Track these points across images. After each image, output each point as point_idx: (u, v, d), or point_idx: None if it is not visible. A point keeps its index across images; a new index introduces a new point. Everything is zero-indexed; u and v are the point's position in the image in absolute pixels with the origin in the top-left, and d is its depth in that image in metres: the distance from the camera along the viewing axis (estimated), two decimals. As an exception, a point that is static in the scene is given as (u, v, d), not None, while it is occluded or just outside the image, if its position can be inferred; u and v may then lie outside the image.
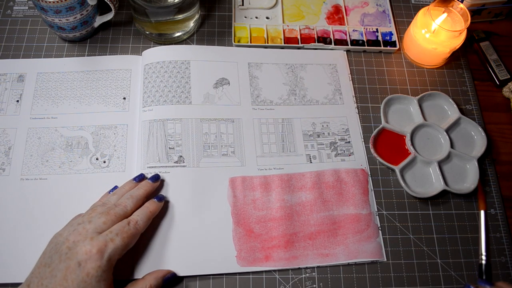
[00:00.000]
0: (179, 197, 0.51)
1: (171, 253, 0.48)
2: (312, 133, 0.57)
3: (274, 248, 0.49)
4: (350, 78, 0.62)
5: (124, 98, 0.58)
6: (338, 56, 0.63)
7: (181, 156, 0.53)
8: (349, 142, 0.57)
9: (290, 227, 0.50)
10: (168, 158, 0.53)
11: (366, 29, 0.65)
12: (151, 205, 0.47)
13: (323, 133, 0.57)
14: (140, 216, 0.45)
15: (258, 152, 0.55)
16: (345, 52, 0.64)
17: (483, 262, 0.51)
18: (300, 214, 0.51)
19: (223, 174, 0.53)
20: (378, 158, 0.56)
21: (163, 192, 0.51)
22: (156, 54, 0.59)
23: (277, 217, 0.51)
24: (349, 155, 0.56)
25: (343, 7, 0.67)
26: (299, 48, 0.64)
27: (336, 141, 0.57)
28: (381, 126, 0.58)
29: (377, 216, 0.53)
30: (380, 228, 0.52)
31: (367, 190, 0.54)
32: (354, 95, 0.60)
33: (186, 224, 0.49)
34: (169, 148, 0.53)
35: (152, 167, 0.52)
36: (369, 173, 0.55)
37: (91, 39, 0.63)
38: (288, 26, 0.65)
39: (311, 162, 0.55)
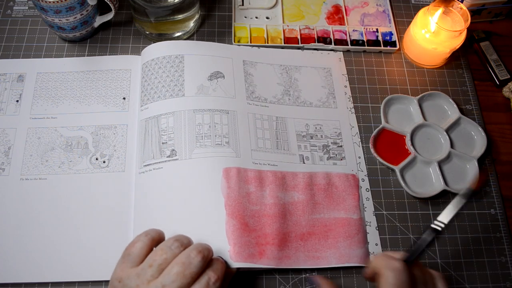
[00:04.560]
0: (172, 192, 0.50)
1: None
2: (305, 134, 0.57)
3: (268, 245, 0.48)
4: (347, 79, 0.62)
5: (124, 98, 0.58)
6: (333, 60, 0.63)
7: (173, 150, 0.52)
8: (341, 146, 0.57)
9: (283, 225, 0.50)
10: (161, 154, 0.52)
11: (366, 29, 0.65)
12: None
13: (316, 135, 0.57)
14: None
15: (253, 146, 0.54)
16: (341, 55, 0.64)
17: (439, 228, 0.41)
18: (292, 214, 0.51)
19: (216, 165, 0.51)
20: (378, 158, 0.56)
21: (157, 189, 0.50)
22: (152, 51, 0.59)
23: (271, 214, 0.50)
24: (341, 159, 0.56)
25: (343, 7, 0.67)
26: (299, 48, 0.64)
27: (328, 144, 0.56)
28: (381, 126, 0.58)
29: (367, 224, 0.52)
30: (368, 234, 0.52)
31: (358, 196, 0.53)
32: (348, 99, 0.60)
33: (179, 220, 0.48)
34: (162, 143, 0.53)
35: (148, 164, 0.52)
36: (362, 178, 0.55)
37: (91, 39, 0.63)
38: (288, 26, 0.65)
39: (304, 163, 0.54)
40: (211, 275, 0.39)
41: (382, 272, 0.39)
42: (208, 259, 0.40)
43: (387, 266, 0.39)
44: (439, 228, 0.41)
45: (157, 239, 0.42)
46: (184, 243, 0.41)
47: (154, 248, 0.41)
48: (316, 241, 0.50)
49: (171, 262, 0.39)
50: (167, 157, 0.52)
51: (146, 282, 0.38)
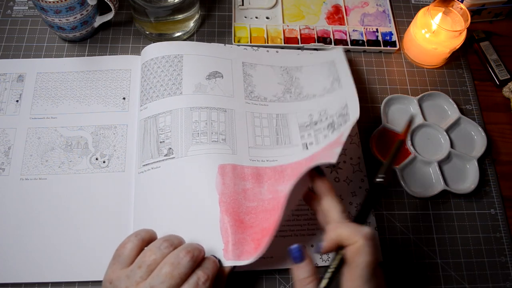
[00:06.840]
0: (170, 191, 0.49)
1: None
2: (309, 124, 0.55)
3: (266, 237, 0.45)
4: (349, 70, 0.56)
5: (124, 98, 0.58)
6: (335, 54, 0.61)
7: (170, 148, 0.52)
8: (347, 114, 0.51)
9: (286, 215, 0.46)
10: (159, 153, 0.52)
11: (366, 29, 0.65)
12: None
13: (321, 120, 0.55)
14: None
15: (250, 143, 0.53)
16: (342, 48, 0.62)
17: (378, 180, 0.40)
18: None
19: (212, 161, 0.50)
20: (378, 158, 0.56)
21: (156, 189, 0.50)
22: (151, 51, 0.59)
23: (269, 209, 0.48)
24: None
25: (343, 7, 0.67)
26: (299, 48, 0.64)
27: (333, 120, 0.53)
28: (381, 126, 0.58)
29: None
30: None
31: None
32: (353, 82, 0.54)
33: (177, 219, 0.48)
34: (160, 142, 0.52)
35: (147, 164, 0.52)
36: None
37: (91, 39, 0.63)
38: (288, 26, 0.65)
39: (307, 149, 0.53)
40: (200, 275, 0.39)
41: (353, 241, 0.37)
42: (198, 259, 0.40)
43: (359, 233, 0.37)
44: (381, 180, 0.39)
45: (147, 239, 0.42)
46: (174, 243, 0.41)
47: (145, 248, 0.41)
48: None
49: (160, 263, 0.39)
50: (164, 156, 0.52)
51: (135, 283, 0.38)
